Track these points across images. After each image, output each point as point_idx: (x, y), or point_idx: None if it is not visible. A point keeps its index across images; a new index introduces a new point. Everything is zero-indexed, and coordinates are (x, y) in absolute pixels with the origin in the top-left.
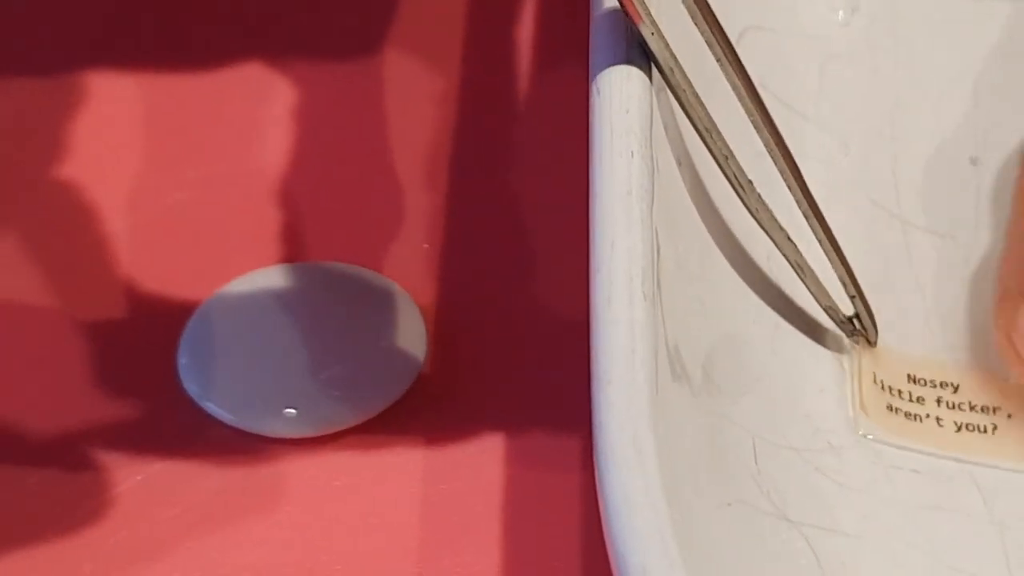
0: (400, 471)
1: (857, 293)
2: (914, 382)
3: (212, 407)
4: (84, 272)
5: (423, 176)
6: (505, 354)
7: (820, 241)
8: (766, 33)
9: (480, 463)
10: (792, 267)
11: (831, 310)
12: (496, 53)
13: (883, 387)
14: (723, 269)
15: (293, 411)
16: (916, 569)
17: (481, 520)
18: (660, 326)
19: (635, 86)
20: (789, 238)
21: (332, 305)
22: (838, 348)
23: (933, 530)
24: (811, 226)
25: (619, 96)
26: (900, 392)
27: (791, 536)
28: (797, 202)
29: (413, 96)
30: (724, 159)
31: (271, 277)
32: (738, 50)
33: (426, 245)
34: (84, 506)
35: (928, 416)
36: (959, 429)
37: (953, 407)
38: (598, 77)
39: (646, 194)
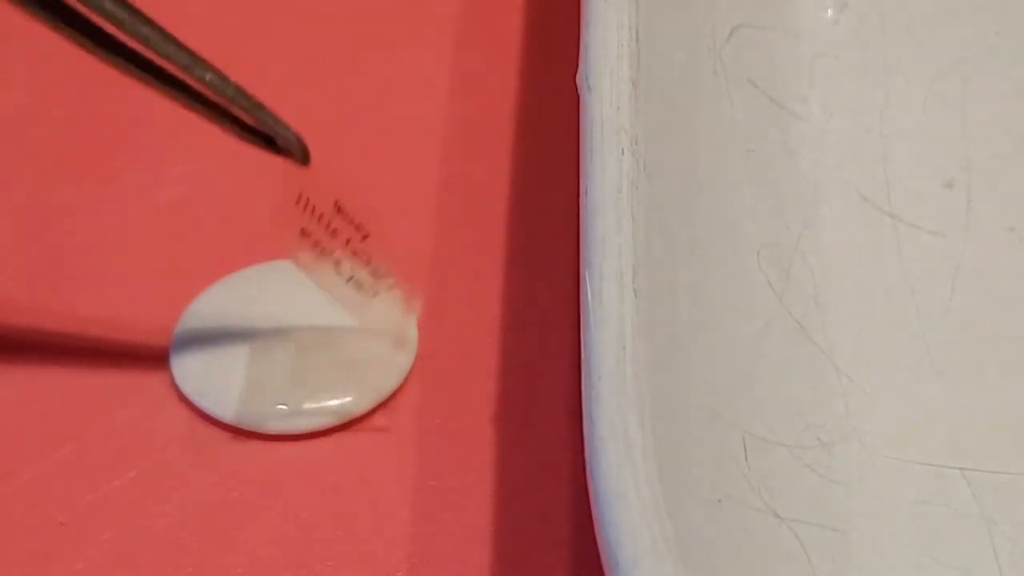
0: (391, 468)
1: (250, 107)
2: (339, 212)
3: (205, 403)
4: (77, 269)
5: (415, 173)
6: (497, 351)
7: (201, 80)
8: (756, 31)
9: (471, 460)
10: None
11: (243, 137)
12: (491, 50)
13: (307, 207)
14: (714, 265)
15: (285, 407)
16: (906, 565)
17: (472, 517)
18: (650, 322)
19: (626, 84)
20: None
21: (323, 301)
22: (822, 344)
23: (923, 526)
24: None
25: (610, 94)
26: (321, 217)
27: (781, 532)
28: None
29: (405, 94)
30: None
31: (264, 273)
32: (728, 47)
33: (416, 243)
34: (77, 503)
35: (331, 254)
36: (349, 279)
37: (355, 254)
38: (589, 75)
39: (637, 191)
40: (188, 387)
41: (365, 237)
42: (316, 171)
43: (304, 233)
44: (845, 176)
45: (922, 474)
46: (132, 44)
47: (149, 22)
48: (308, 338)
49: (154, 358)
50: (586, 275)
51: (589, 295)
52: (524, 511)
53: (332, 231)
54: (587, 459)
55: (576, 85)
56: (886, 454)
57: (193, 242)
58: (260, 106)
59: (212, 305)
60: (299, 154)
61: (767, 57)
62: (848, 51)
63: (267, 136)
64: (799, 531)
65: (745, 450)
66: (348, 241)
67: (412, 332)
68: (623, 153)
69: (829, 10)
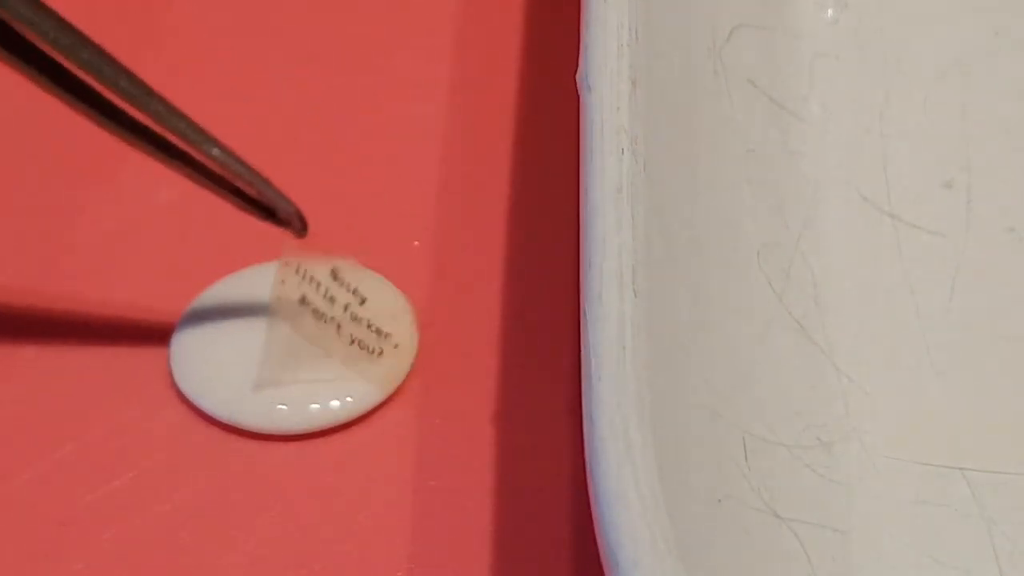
0: (390, 468)
1: (253, 180)
2: (335, 279)
3: (205, 403)
4: (77, 269)
5: (414, 173)
6: (497, 351)
7: (208, 154)
8: (756, 31)
9: (471, 460)
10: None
11: (245, 208)
12: (491, 50)
13: (304, 276)
14: (713, 265)
15: (284, 407)
16: (906, 565)
17: (472, 517)
18: (650, 322)
19: (626, 84)
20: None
21: (322, 301)
22: (818, 345)
23: (923, 526)
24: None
25: (610, 94)
26: (319, 285)
27: (781, 532)
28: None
29: (405, 94)
30: None
31: (263, 273)
32: (728, 47)
33: (417, 242)
34: (77, 503)
35: (332, 319)
36: (352, 342)
37: (356, 319)
38: (589, 75)
39: (637, 191)
40: (188, 387)
41: (363, 301)
42: (313, 240)
43: (303, 301)
44: (845, 176)
45: (922, 474)
46: (142, 119)
47: (161, 99)
48: (308, 338)
49: (154, 358)
50: (586, 275)
51: (589, 295)
52: (524, 511)
53: (330, 298)
54: (587, 459)
55: (576, 85)
56: (886, 454)
57: (193, 242)
58: (263, 180)
59: (212, 305)
60: (297, 225)
61: (767, 57)
62: (848, 51)
63: (268, 208)
64: (799, 531)
65: (745, 450)
66: (347, 307)
67: (411, 332)
68: (623, 153)
69: (829, 10)
